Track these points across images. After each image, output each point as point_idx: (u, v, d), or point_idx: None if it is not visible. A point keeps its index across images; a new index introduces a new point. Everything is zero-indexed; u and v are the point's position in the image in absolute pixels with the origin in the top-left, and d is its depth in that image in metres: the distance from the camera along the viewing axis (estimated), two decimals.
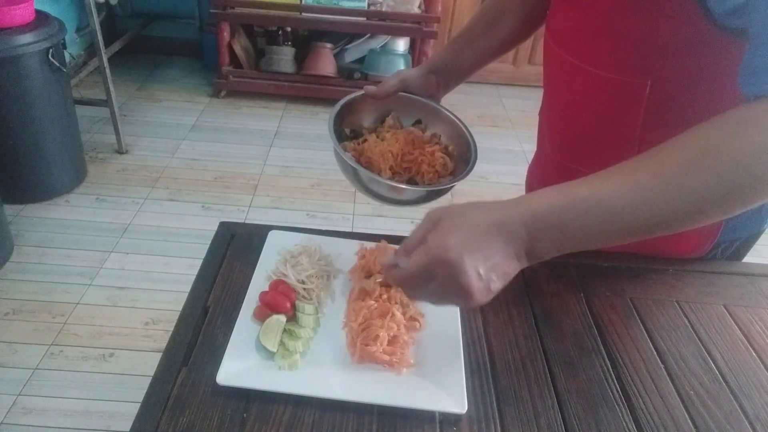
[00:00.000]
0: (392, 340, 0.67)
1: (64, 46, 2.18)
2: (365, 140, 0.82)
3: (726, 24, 0.59)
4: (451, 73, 0.87)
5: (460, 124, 0.83)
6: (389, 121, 0.86)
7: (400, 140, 0.80)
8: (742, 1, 0.54)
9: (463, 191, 1.48)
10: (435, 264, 0.54)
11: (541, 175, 0.98)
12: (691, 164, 0.50)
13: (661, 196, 0.51)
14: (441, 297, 0.57)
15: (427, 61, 0.88)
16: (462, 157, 0.82)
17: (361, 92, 0.82)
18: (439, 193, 0.75)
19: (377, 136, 0.83)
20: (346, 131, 0.85)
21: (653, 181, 0.51)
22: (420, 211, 0.71)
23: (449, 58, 0.88)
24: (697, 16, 0.60)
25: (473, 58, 0.88)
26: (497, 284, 0.55)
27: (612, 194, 0.53)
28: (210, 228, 0.85)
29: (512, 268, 0.55)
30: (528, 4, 0.86)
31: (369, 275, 0.75)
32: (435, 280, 0.55)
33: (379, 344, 0.65)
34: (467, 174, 0.76)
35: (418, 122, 0.87)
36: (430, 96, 0.85)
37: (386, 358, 0.65)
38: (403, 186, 0.74)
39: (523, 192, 1.04)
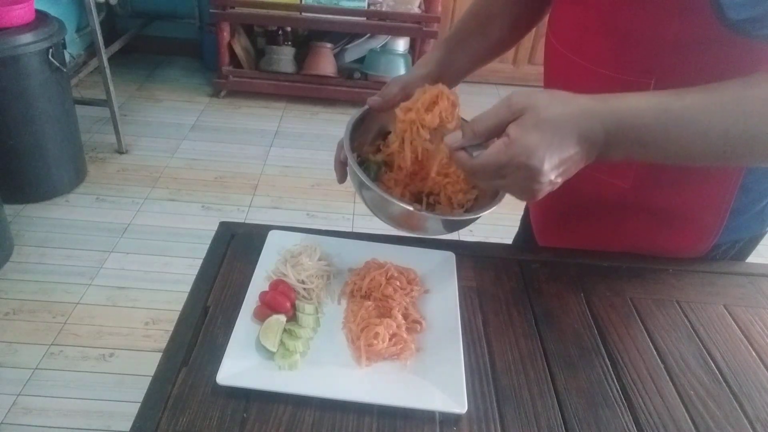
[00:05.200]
0: (391, 338, 0.67)
1: (64, 46, 2.19)
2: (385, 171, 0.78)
3: (737, 18, 0.58)
4: (444, 75, 0.84)
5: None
6: (392, 137, 0.79)
7: (413, 161, 0.75)
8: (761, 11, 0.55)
9: None
10: (514, 166, 0.56)
11: None
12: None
13: (742, 114, 0.56)
14: (503, 189, 0.61)
15: (421, 64, 0.84)
16: None
17: (364, 108, 0.78)
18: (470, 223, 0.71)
19: (385, 163, 0.78)
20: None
21: (735, 99, 0.56)
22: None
23: (443, 60, 0.84)
24: (705, 14, 0.60)
25: (466, 59, 0.86)
26: (558, 185, 0.59)
27: (696, 102, 0.56)
28: (210, 228, 0.85)
29: (577, 170, 0.59)
30: (515, 8, 0.85)
31: (366, 296, 0.74)
32: (507, 178, 0.57)
33: (380, 341, 0.65)
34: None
35: None
36: None
37: (392, 349, 0.66)
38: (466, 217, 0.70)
39: None
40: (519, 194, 0.60)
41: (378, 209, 0.72)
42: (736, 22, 0.58)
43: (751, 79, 0.57)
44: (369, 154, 0.80)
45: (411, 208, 0.68)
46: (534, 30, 0.91)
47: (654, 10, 0.64)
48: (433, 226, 0.71)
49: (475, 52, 0.87)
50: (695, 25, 0.61)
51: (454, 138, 0.61)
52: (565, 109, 0.56)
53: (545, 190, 0.58)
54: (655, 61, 0.67)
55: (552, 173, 0.56)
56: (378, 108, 0.78)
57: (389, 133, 0.82)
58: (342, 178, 0.77)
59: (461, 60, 0.85)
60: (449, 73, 0.84)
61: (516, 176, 0.57)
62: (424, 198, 0.75)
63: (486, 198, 0.75)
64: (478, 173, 0.60)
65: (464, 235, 0.79)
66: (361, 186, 0.71)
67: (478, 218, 0.71)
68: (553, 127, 0.55)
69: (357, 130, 0.77)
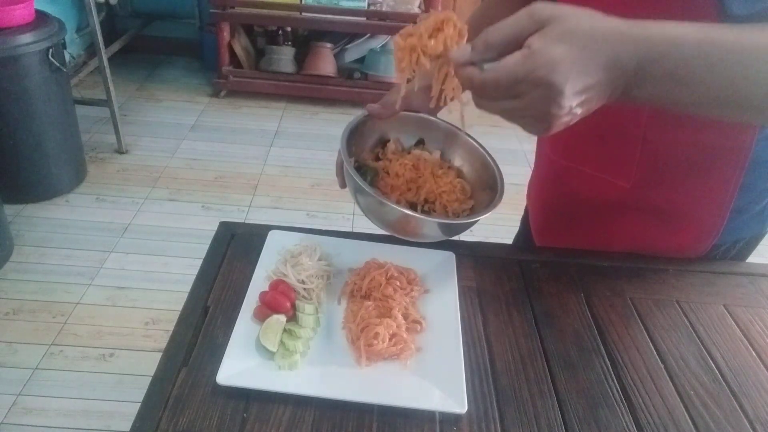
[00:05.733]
0: (391, 338, 0.67)
1: (64, 46, 2.19)
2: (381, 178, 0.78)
3: (741, 13, 0.58)
4: None
5: (473, 142, 0.81)
6: (391, 146, 0.82)
7: (409, 169, 0.77)
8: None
9: None
10: (532, 82, 0.47)
11: (541, 184, 0.97)
12: None
13: None
14: (513, 114, 0.51)
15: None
16: (476, 171, 0.80)
17: (364, 114, 0.78)
18: (463, 227, 0.73)
19: (384, 170, 0.79)
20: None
21: None
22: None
23: None
24: (708, 11, 0.60)
25: None
26: (576, 119, 0.50)
27: (746, 39, 0.50)
28: (210, 228, 0.85)
29: (597, 106, 0.50)
30: None
31: (366, 296, 0.74)
32: (521, 97, 0.49)
33: (380, 341, 0.65)
34: (501, 191, 0.74)
35: (420, 142, 0.83)
36: (430, 111, 0.81)
37: (392, 349, 0.66)
38: (459, 221, 0.71)
39: (523, 193, 1.05)
40: (532, 122, 0.51)
41: (373, 213, 0.72)
42: (739, 18, 0.58)
43: None
44: (367, 160, 0.80)
45: (408, 211, 0.68)
46: None
47: (657, 8, 0.64)
48: (429, 230, 0.71)
49: None
50: (697, 21, 0.61)
51: (463, 51, 0.52)
52: (596, 24, 0.48)
53: (562, 119, 0.49)
54: None
55: (574, 99, 0.48)
56: (377, 115, 0.78)
57: (389, 141, 0.83)
58: (344, 183, 0.77)
59: None
60: None
61: (532, 96, 0.48)
62: (419, 206, 0.76)
63: (481, 207, 0.75)
64: (487, 89, 0.50)
65: (464, 235, 0.79)
66: (356, 190, 0.71)
67: (475, 222, 0.71)
68: (581, 42, 0.47)
69: (355, 134, 0.78)
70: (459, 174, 0.81)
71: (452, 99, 0.64)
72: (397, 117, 0.79)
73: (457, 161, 0.82)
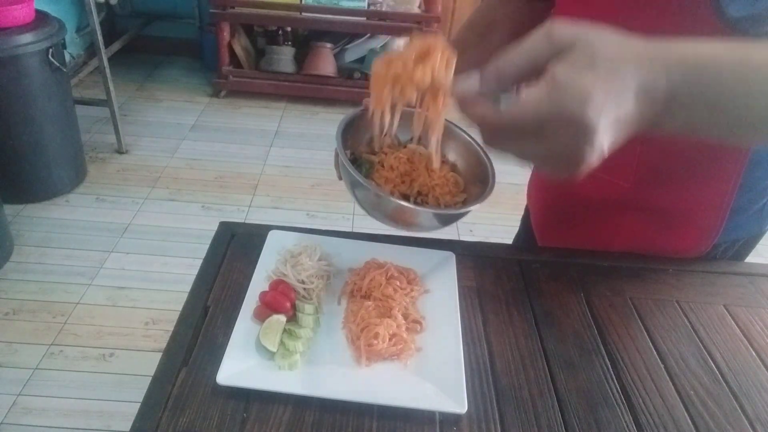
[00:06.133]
0: (391, 338, 0.67)
1: (64, 46, 2.19)
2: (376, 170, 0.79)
3: (737, 15, 0.58)
4: None
5: (469, 138, 0.82)
6: (387, 140, 0.82)
7: (404, 162, 0.77)
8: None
9: None
10: (561, 120, 0.40)
11: (541, 184, 0.97)
12: None
13: None
14: (536, 159, 0.43)
15: None
16: (469, 166, 0.81)
17: (361, 108, 0.78)
18: (455, 218, 0.73)
19: (379, 162, 0.79)
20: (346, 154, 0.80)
21: None
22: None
23: None
24: (705, 13, 0.60)
25: (465, 69, 0.86)
26: (603, 157, 0.43)
27: None
28: (210, 228, 0.85)
29: (623, 141, 0.44)
30: (515, 19, 0.85)
31: (366, 296, 0.74)
32: (547, 140, 0.41)
33: (381, 341, 0.65)
34: (492, 184, 0.74)
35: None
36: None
37: (392, 349, 0.66)
38: (449, 211, 0.71)
39: (523, 193, 1.05)
40: (556, 164, 0.43)
41: (369, 205, 0.73)
42: (735, 20, 0.58)
43: None
44: (363, 153, 0.81)
45: (401, 201, 0.68)
46: None
47: (655, 10, 0.64)
48: (421, 219, 0.72)
49: (475, 62, 0.86)
50: (695, 24, 0.61)
51: (470, 84, 0.45)
52: (624, 47, 0.42)
53: (594, 159, 0.42)
54: None
55: (606, 135, 0.41)
56: None
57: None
58: (341, 176, 0.78)
59: (461, 71, 0.85)
60: None
61: (562, 136, 0.41)
62: (411, 198, 0.76)
63: (473, 200, 0.76)
64: (506, 132, 0.43)
65: (464, 235, 0.79)
66: (352, 183, 0.71)
67: (465, 213, 0.71)
68: (612, 69, 0.40)
69: (351, 128, 0.78)
70: (453, 168, 0.81)
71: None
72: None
73: (452, 156, 0.83)
